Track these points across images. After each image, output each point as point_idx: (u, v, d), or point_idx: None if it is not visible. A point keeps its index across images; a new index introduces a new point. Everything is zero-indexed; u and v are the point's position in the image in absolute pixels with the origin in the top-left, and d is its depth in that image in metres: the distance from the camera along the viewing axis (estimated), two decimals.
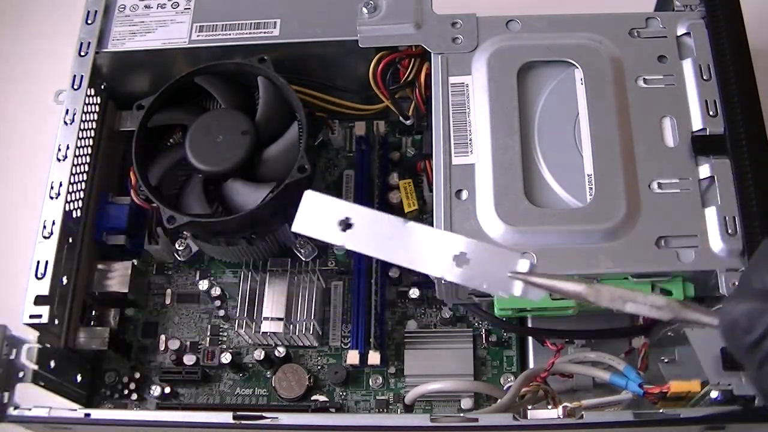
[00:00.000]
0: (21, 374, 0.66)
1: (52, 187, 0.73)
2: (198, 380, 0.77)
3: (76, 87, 0.77)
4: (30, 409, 0.64)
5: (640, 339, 0.70)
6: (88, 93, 0.78)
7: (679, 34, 0.73)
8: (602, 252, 0.64)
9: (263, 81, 0.77)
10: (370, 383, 0.76)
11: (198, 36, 0.79)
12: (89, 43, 0.79)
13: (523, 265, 0.48)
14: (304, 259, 0.79)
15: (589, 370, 0.67)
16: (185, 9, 0.81)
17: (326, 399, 0.76)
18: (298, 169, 0.72)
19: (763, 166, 0.65)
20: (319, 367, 0.77)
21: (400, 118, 0.81)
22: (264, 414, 0.62)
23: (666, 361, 0.67)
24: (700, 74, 0.70)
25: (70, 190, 0.74)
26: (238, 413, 0.62)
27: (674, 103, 0.70)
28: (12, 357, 0.66)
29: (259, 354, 0.75)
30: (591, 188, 0.67)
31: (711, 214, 0.65)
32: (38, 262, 0.70)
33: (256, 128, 0.75)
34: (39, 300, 0.69)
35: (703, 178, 0.67)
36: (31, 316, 0.68)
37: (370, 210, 0.51)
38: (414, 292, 0.78)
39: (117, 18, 0.81)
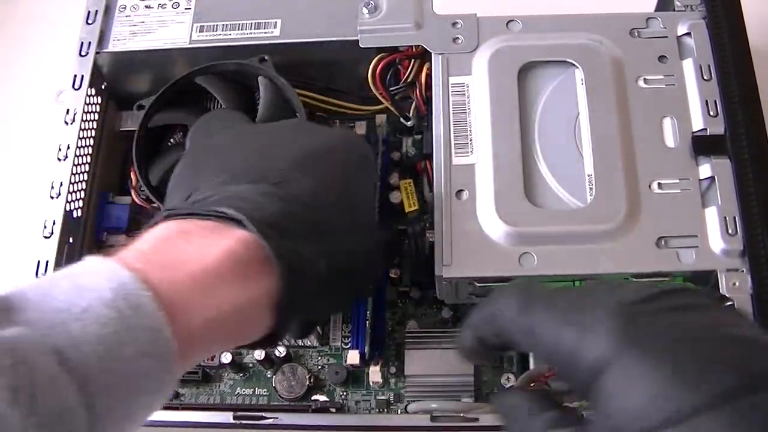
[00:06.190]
0: None
1: (52, 187, 0.73)
2: (198, 380, 0.77)
3: (76, 87, 0.77)
4: None
5: None
6: (89, 93, 0.78)
7: (679, 34, 0.73)
8: (602, 252, 0.64)
9: (264, 81, 0.77)
10: (371, 383, 0.76)
11: (198, 36, 0.79)
12: (89, 43, 0.79)
13: None
14: None
15: None
16: (186, 9, 0.81)
17: (326, 399, 0.76)
18: None
19: (763, 166, 0.65)
20: (319, 367, 0.77)
21: (401, 119, 0.81)
22: (264, 414, 0.62)
23: None
24: (701, 74, 0.70)
25: (71, 190, 0.74)
26: (239, 413, 0.63)
27: (675, 104, 0.70)
28: None
29: (260, 354, 0.75)
30: (591, 188, 0.67)
31: (711, 214, 0.65)
32: (38, 262, 0.70)
33: None
34: None
35: (704, 178, 0.67)
36: None
37: None
38: (414, 292, 0.78)
39: (117, 18, 0.81)
